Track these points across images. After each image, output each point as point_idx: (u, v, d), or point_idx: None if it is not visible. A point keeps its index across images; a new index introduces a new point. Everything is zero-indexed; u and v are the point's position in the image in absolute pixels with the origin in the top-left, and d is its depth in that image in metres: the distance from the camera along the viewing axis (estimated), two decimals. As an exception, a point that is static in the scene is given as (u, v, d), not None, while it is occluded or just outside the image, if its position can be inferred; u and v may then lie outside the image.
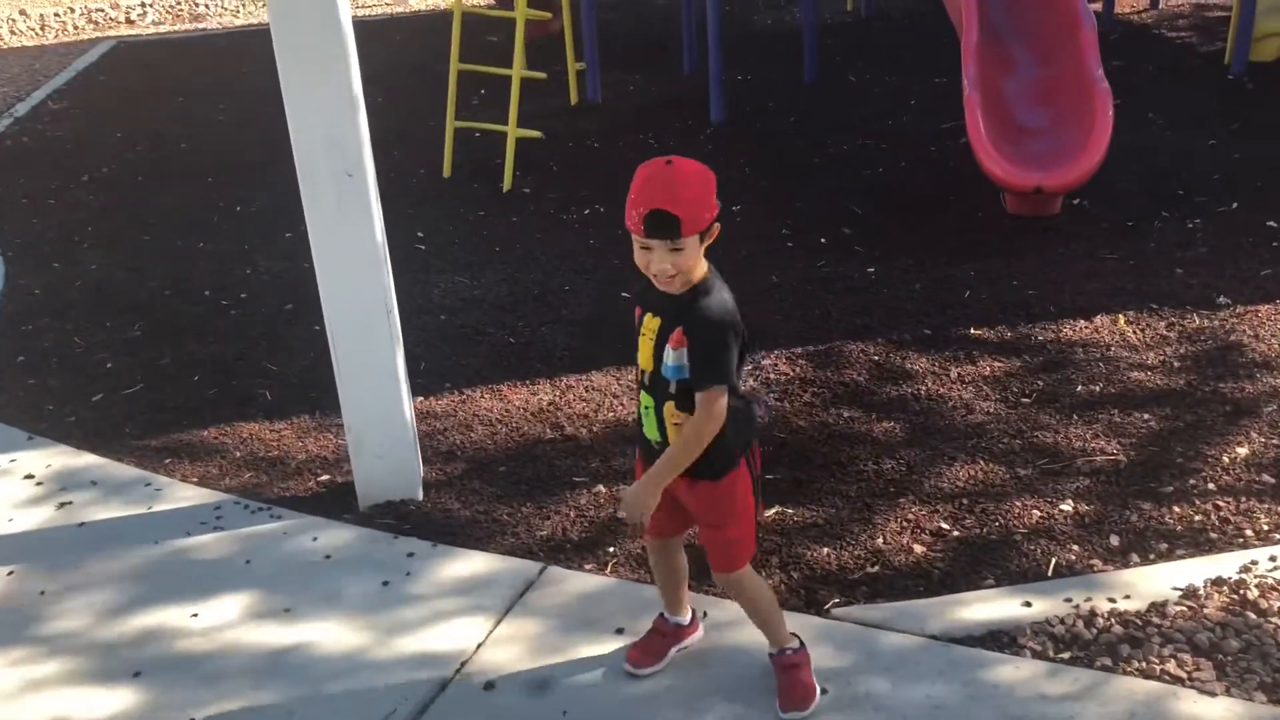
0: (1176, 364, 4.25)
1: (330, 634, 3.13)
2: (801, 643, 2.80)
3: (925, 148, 6.93)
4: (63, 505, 3.85)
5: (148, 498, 3.87)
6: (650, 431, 2.61)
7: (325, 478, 3.95)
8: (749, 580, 2.75)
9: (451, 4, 6.97)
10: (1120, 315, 4.64)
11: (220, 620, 3.22)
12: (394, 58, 10.22)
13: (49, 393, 4.67)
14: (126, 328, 5.27)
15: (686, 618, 2.96)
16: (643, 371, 2.57)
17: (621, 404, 4.26)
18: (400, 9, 12.78)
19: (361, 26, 11.61)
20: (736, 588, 2.76)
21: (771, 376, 4.37)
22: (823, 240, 5.69)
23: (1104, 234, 5.50)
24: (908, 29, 10.07)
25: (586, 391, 4.38)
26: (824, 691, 2.75)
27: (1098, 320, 4.62)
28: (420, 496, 3.75)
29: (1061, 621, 2.91)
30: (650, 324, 2.53)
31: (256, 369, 4.79)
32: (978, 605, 3.02)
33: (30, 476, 4.03)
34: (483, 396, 4.41)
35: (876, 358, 4.45)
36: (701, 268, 2.49)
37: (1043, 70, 6.18)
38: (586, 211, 6.34)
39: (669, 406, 2.53)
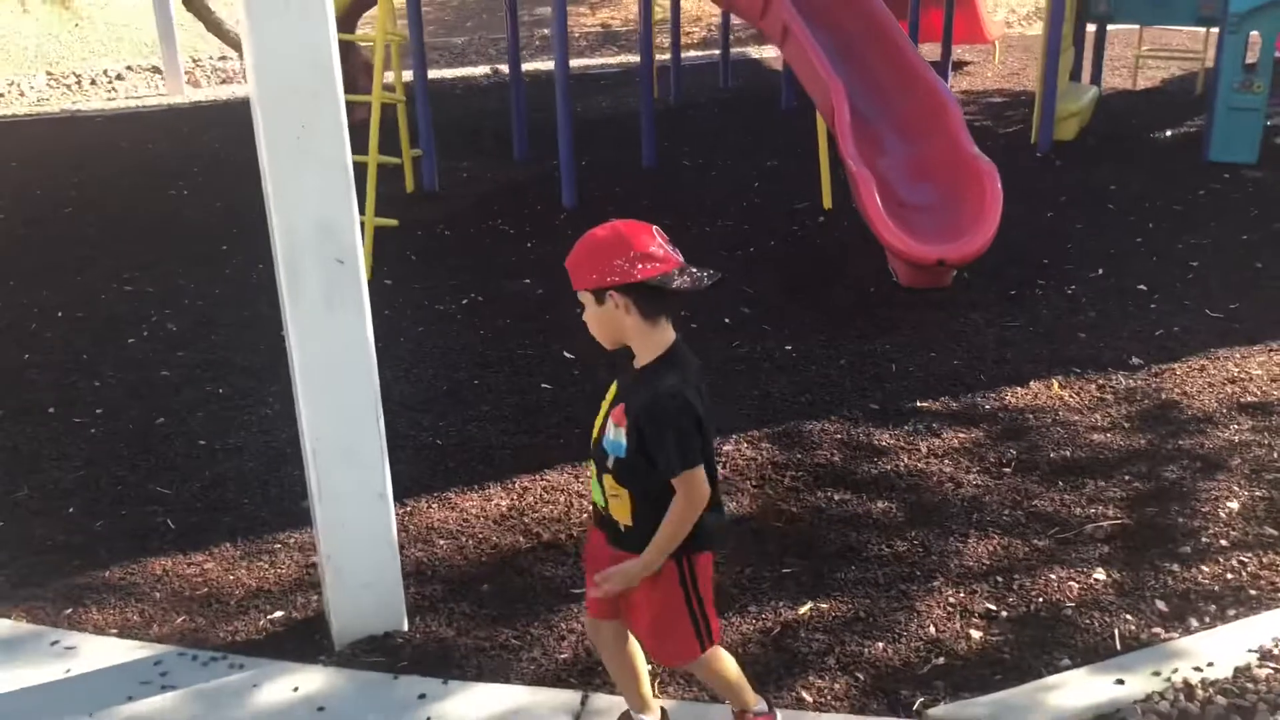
0: (1126, 425, 4.32)
1: (359, 803, 2.62)
2: (770, 705, 2.74)
3: (788, 227, 6.97)
4: (-52, 678, 3.13)
5: (59, 657, 3.21)
6: (596, 495, 2.53)
7: (278, 614, 3.40)
8: (707, 662, 2.61)
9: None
10: (1054, 381, 4.70)
11: (212, 802, 2.65)
12: (189, 149, 9.52)
13: (-117, 540, 3.87)
14: (-42, 456, 4.48)
15: (655, 715, 2.73)
16: (594, 439, 2.51)
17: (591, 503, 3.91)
18: (178, 99, 11.97)
19: (136, 119, 10.89)
20: (697, 670, 2.67)
21: (740, 461, 4.15)
22: (727, 320, 5.55)
23: (994, 303, 5.63)
24: (720, 116, 10.26)
25: (546, 492, 4.01)
26: (961, 803, 2.51)
27: (1033, 386, 4.67)
28: (406, 627, 3.27)
29: (1163, 697, 2.79)
30: (610, 394, 2.50)
31: (145, 495, 4.14)
32: (1070, 689, 2.86)
33: (-107, 646, 3.27)
34: (430, 507, 3.96)
35: (839, 436, 4.31)
36: (649, 345, 2.39)
37: (911, 148, 6.34)
38: (464, 301, 5.97)
39: (607, 479, 2.46)
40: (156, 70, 13.59)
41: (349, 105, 8.38)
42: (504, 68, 12.73)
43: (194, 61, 13.10)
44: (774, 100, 10.57)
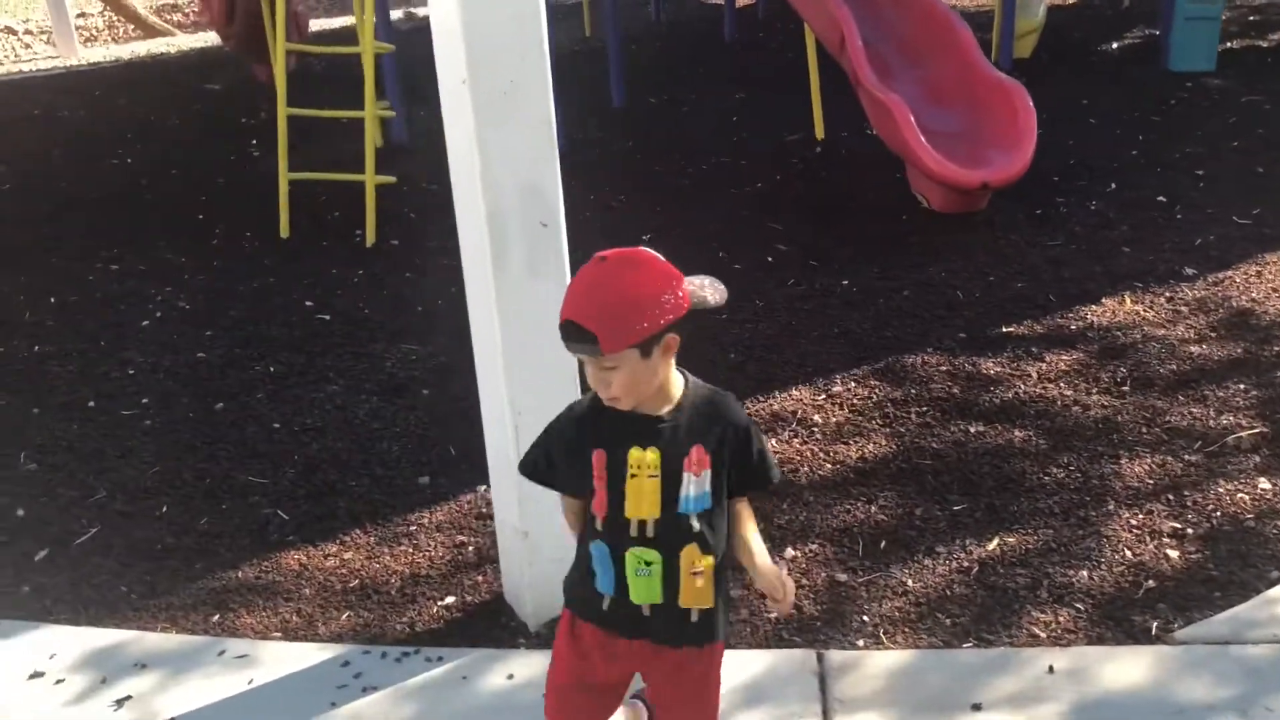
0: (1214, 335, 4.39)
1: (638, 789, 2.50)
2: None
3: (786, 159, 6.87)
4: (121, 702, 2.88)
5: (234, 666, 2.98)
6: (649, 594, 2.00)
7: (449, 600, 3.23)
8: None
9: (275, 43, 6.09)
10: (1124, 296, 4.75)
11: (481, 805, 2.50)
12: (111, 115, 8.90)
13: (-33, 560, 3.54)
14: (10, 462, 4.11)
15: None
16: (640, 523, 1.98)
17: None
18: (74, 61, 11.18)
19: (34, 85, 10.12)
20: None
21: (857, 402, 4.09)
22: (769, 259, 5.46)
23: (1027, 224, 5.66)
24: (664, 51, 10.06)
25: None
26: (1248, 723, 2.53)
27: (1106, 303, 4.72)
28: (598, 600, 3.13)
29: (1392, 600, 2.86)
30: (646, 460, 1.96)
31: (239, 486, 3.88)
32: (1296, 599, 2.91)
33: (39, 674, 2.99)
34: (558, 473, 3.80)
35: (944, 368, 4.28)
36: (674, 378, 2.01)
37: (919, 72, 6.30)
38: (489, 257, 5.71)
39: (689, 551, 1.98)
40: (10, 31, 12.71)
41: (256, 63, 7.92)
42: (417, 11, 12.27)
43: (49, 20, 12.30)
44: (714, 33, 10.41)
